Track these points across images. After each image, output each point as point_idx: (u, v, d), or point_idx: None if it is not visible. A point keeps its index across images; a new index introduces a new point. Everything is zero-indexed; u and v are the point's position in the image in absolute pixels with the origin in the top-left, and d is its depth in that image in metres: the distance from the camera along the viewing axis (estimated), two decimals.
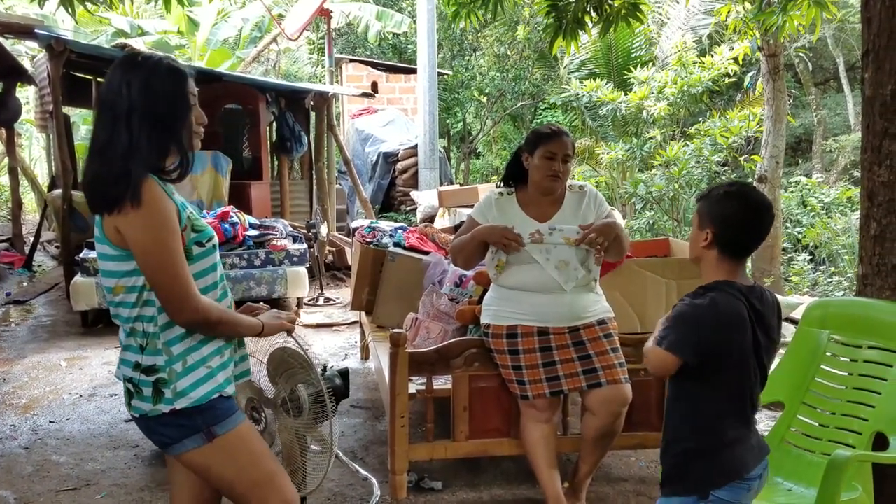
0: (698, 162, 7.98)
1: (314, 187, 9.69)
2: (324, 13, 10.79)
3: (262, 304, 2.16)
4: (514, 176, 3.03)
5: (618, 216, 3.86)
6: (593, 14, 4.30)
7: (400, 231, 4.88)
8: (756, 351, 1.95)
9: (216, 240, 1.96)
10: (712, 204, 1.97)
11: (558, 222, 2.92)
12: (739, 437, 1.96)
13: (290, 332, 2.10)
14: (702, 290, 1.94)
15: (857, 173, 11.19)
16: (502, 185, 3.08)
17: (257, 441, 1.97)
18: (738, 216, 1.94)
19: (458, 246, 3.01)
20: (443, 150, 12.04)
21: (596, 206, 3.00)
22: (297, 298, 6.90)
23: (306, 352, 2.07)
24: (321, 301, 7.36)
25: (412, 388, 3.20)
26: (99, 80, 8.66)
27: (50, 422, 4.20)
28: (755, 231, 1.96)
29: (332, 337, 6.13)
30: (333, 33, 11.89)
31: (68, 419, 4.24)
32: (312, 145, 9.59)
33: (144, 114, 1.78)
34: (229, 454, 1.89)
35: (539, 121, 15.23)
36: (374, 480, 3.23)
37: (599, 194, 3.06)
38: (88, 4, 4.11)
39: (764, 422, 3.93)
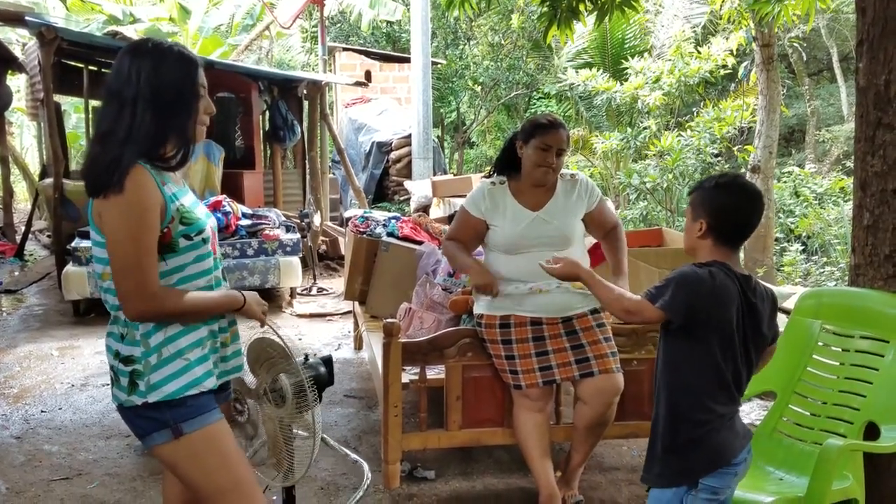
0: (692, 152, 7.99)
1: (307, 177, 9.65)
2: (316, 1, 10.71)
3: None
4: (507, 163, 3.02)
5: (610, 206, 3.85)
6: (588, 3, 4.28)
7: (393, 221, 4.87)
8: (744, 339, 1.98)
9: (208, 234, 1.92)
10: (704, 195, 2.01)
11: (550, 211, 2.92)
12: (727, 418, 1.97)
13: (262, 323, 2.05)
14: (700, 264, 1.99)
15: (849, 164, 11.23)
16: (494, 174, 3.07)
17: (228, 444, 1.92)
18: (730, 205, 1.98)
19: (451, 256, 3.06)
20: (436, 140, 12.01)
21: (587, 195, 3.00)
22: (291, 288, 6.89)
23: (284, 341, 2.05)
24: (314, 291, 7.35)
25: (405, 378, 3.19)
26: (90, 68, 8.60)
27: (42, 411, 4.19)
28: (747, 219, 2.01)
29: (326, 327, 6.12)
30: (326, 21, 11.82)
31: (60, 409, 4.23)
32: (305, 134, 9.54)
33: (150, 100, 1.77)
34: (195, 454, 1.86)
35: (533, 110, 15.20)
36: (364, 465, 3.22)
37: (591, 183, 3.06)
38: None
39: (756, 411, 3.95)
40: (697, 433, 1.96)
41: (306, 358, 2.12)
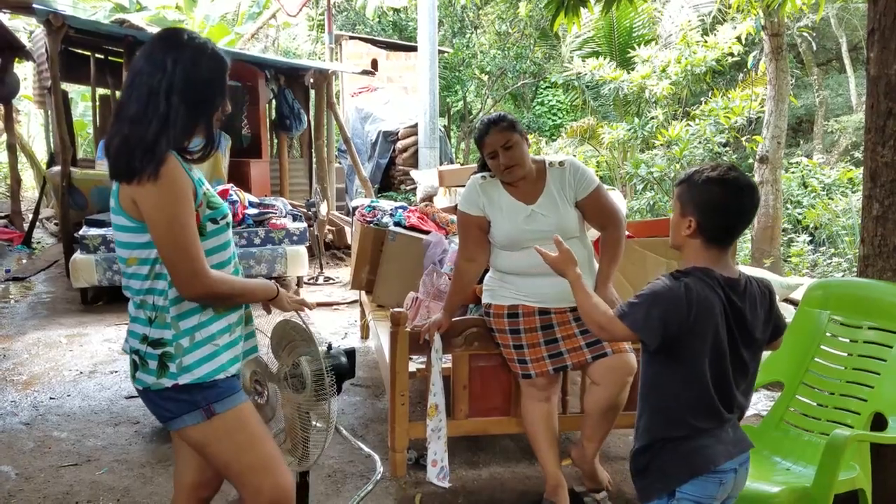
0: (700, 142, 7.96)
1: (314, 166, 9.66)
2: None
3: None
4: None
5: (617, 198, 3.83)
6: None
7: (400, 210, 4.87)
8: (733, 347, 1.85)
9: (230, 218, 1.98)
10: (694, 191, 1.86)
11: (544, 204, 2.86)
12: (708, 431, 1.84)
13: (300, 311, 2.10)
14: (678, 274, 1.84)
15: (857, 154, 11.19)
16: (481, 171, 3.03)
17: (256, 423, 1.96)
18: (722, 203, 1.82)
19: (449, 291, 3.12)
20: (443, 129, 11.99)
21: (576, 181, 2.89)
22: (297, 277, 6.91)
23: (307, 324, 2.06)
24: (321, 280, 7.37)
25: (412, 367, 3.20)
26: (97, 55, 8.60)
27: (50, 398, 4.22)
28: (740, 217, 1.86)
29: (332, 316, 6.14)
30: (333, 10, 11.79)
31: (69, 396, 4.26)
32: (312, 123, 9.54)
33: (184, 93, 1.80)
34: (227, 433, 1.89)
35: (540, 100, 15.16)
36: (376, 458, 3.25)
37: (581, 166, 2.95)
38: None
39: (763, 401, 3.95)
40: (671, 446, 1.86)
41: (329, 347, 2.12)
